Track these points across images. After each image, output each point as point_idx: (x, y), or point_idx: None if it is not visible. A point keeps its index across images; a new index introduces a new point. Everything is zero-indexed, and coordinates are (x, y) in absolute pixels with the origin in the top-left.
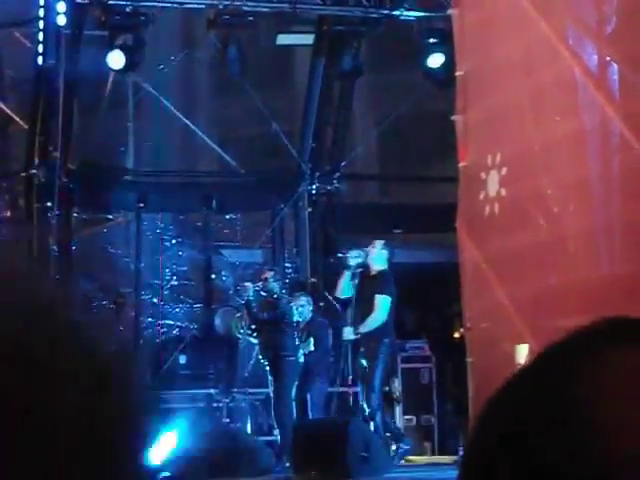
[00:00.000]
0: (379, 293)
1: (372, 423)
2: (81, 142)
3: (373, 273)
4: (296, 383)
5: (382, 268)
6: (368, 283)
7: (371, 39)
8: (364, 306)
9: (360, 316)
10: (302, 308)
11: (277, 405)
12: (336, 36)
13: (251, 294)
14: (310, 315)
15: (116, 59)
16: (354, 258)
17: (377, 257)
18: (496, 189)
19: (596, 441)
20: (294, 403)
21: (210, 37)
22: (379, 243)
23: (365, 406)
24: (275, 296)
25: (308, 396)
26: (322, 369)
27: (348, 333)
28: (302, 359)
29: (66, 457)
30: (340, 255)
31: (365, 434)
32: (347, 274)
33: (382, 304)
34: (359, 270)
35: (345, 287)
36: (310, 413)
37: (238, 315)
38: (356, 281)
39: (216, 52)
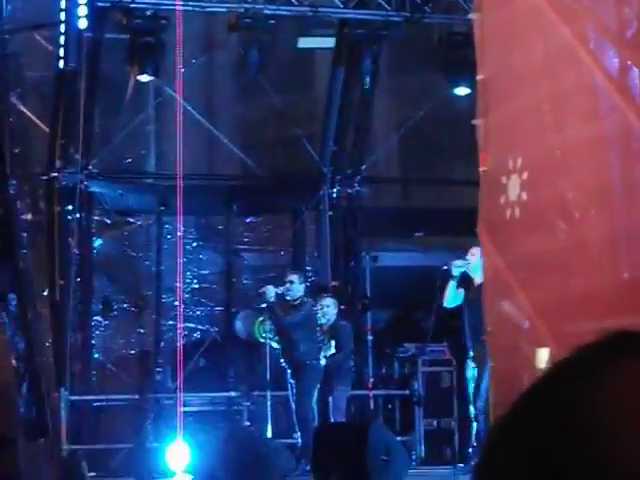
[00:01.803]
0: None
1: (475, 425)
2: (102, 145)
3: (478, 282)
4: (318, 386)
5: None
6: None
7: (392, 42)
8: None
9: (470, 325)
10: (327, 309)
11: (298, 408)
12: (357, 39)
13: (274, 297)
14: (334, 318)
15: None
16: (458, 267)
17: (478, 266)
18: (517, 193)
19: (604, 448)
20: (316, 406)
21: (231, 40)
22: (478, 250)
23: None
24: (298, 300)
25: (330, 399)
26: (344, 372)
27: None
28: (324, 362)
29: None
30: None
31: (386, 438)
32: (452, 284)
33: None
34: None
35: (450, 297)
36: (332, 416)
37: (261, 319)
38: (461, 290)
39: (237, 55)
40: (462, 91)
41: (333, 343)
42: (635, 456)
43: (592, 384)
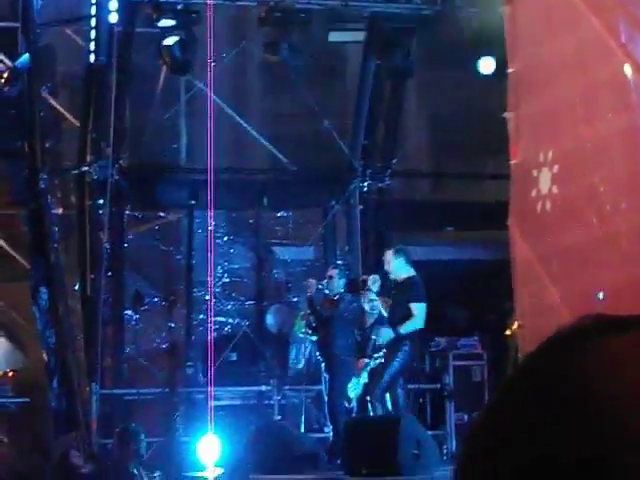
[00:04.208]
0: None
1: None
2: (133, 139)
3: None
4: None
5: (408, 275)
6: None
7: (422, 35)
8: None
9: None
10: (376, 302)
11: (331, 403)
12: (387, 33)
13: (315, 291)
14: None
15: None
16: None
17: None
18: (548, 186)
19: (595, 416)
20: (355, 401)
21: (261, 34)
22: (388, 254)
23: None
24: (337, 295)
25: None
26: None
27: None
28: (380, 361)
29: None
30: None
31: (417, 432)
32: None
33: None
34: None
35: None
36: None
37: (302, 313)
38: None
39: (267, 49)
40: (486, 66)
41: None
42: (627, 422)
43: (576, 357)
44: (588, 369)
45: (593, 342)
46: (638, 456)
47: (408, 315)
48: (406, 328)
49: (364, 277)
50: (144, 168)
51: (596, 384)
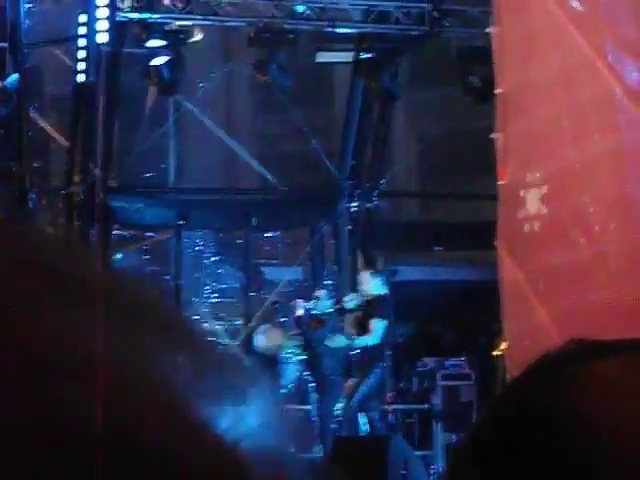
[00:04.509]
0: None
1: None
2: (121, 159)
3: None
4: (344, 400)
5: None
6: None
7: (411, 56)
8: None
9: None
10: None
11: (320, 423)
12: (376, 54)
13: (303, 311)
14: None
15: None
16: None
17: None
18: (536, 207)
19: (579, 438)
20: (344, 420)
21: (250, 54)
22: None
23: None
24: (324, 315)
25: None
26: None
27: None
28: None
29: None
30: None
31: (405, 452)
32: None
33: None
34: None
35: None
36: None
37: (290, 333)
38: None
39: (256, 69)
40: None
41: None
42: (612, 446)
43: (559, 383)
44: (572, 394)
45: (577, 368)
46: (624, 477)
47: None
48: (360, 340)
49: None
50: (132, 188)
51: (580, 409)
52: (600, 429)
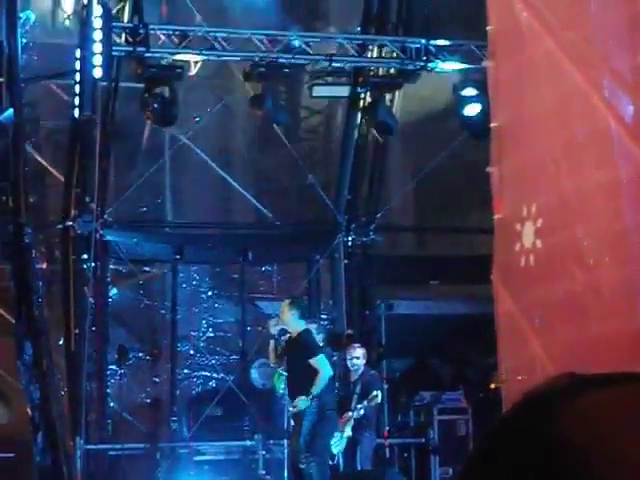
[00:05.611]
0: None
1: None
2: (117, 194)
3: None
4: (338, 434)
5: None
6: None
7: (407, 89)
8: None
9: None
10: (357, 360)
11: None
12: (372, 88)
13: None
14: (362, 369)
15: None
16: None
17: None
18: (531, 240)
19: (566, 467)
20: (341, 455)
21: (246, 89)
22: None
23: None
24: None
25: (358, 448)
26: (372, 421)
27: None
28: (362, 412)
29: None
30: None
31: None
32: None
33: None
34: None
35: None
36: (359, 464)
37: (280, 370)
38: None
39: (252, 104)
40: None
41: (379, 393)
42: (604, 476)
43: (549, 417)
44: (561, 427)
45: (566, 401)
46: None
47: (313, 373)
48: (317, 387)
49: (348, 332)
50: (128, 223)
51: (567, 441)
52: (592, 459)
